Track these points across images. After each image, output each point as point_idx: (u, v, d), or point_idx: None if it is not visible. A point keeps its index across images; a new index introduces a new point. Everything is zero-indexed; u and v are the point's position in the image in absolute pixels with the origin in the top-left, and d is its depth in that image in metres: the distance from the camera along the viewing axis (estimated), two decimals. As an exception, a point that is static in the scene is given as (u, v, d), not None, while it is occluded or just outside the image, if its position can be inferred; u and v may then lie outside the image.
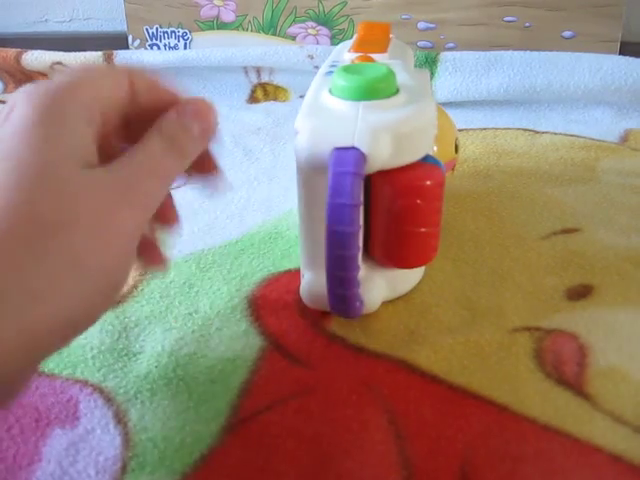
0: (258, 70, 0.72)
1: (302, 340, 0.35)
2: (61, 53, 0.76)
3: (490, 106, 0.66)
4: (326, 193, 0.30)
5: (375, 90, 0.32)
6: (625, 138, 0.58)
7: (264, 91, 0.73)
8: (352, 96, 0.32)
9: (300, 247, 0.36)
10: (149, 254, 0.33)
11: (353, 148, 0.30)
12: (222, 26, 0.77)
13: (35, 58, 0.76)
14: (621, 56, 0.64)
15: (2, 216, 0.23)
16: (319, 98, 0.34)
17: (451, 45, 0.72)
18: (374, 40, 0.40)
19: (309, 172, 0.33)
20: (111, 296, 0.26)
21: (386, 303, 0.37)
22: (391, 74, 0.33)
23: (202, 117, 0.30)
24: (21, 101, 0.25)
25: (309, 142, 0.31)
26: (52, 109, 0.25)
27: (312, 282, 0.36)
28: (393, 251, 0.34)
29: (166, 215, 0.33)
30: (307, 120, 0.32)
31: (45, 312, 0.23)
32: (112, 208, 0.25)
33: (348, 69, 0.33)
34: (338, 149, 0.31)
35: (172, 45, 0.78)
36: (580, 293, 0.38)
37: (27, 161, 0.24)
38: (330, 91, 0.34)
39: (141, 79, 0.30)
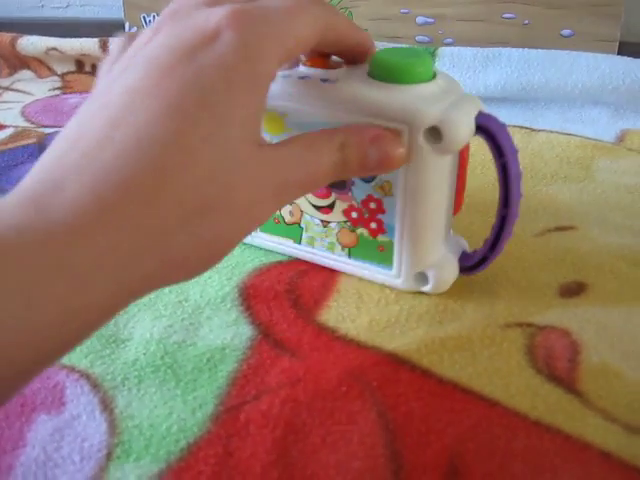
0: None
1: (292, 330, 0.35)
2: (56, 39, 0.75)
3: (487, 103, 0.64)
4: (450, 171, 0.34)
5: (414, 74, 0.33)
6: (621, 138, 0.58)
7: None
8: (387, 78, 0.33)
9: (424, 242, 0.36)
10: None
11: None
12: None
13: (31, 43, 0.75)
14: (619, 56, 0.64)
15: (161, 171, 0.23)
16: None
17: (449, 40, 0.72)
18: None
19: (434, 155, 0.33)
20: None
21: (377, 295, 0.37)
22: (428, 59, 0.33)
23: (385, 152, 0.31)
24: (228, 28, 0.25)
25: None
26: (255, 47, 0.25)
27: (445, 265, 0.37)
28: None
29: None
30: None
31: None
32: (264, 198, 0.26)
33: (387, 52, 0.34)
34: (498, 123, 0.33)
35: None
36: (573, 290, 0.38)
37: (218, 115, 0.24)
38: (368, 73, 0.34)
39: (333, 30, 0.30)
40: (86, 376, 0.32)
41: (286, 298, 0.37)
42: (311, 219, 0.38)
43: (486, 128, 0.33)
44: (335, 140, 0.29)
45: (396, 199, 0.35)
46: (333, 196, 0.37)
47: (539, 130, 0.59)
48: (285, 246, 0.40)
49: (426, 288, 0.37)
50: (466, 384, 0.31)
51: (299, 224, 0.39)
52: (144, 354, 0.34)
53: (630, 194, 0.48)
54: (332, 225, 0.38)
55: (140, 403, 0.31)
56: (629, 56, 0.64)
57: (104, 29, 0.79)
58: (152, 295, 0.37)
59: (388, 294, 0.37)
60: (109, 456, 0.28)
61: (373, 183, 0.35)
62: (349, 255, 0.38)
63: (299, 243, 0.39)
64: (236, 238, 0.27)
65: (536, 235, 0.43)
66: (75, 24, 0.86)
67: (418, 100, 0.32)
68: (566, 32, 0.69)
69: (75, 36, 0.75)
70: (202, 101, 0.24)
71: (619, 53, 0.67)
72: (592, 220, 0.45)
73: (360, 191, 0.36)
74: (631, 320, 0.35)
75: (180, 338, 0.35)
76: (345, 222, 0.37)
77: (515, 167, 0.32)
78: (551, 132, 0.59)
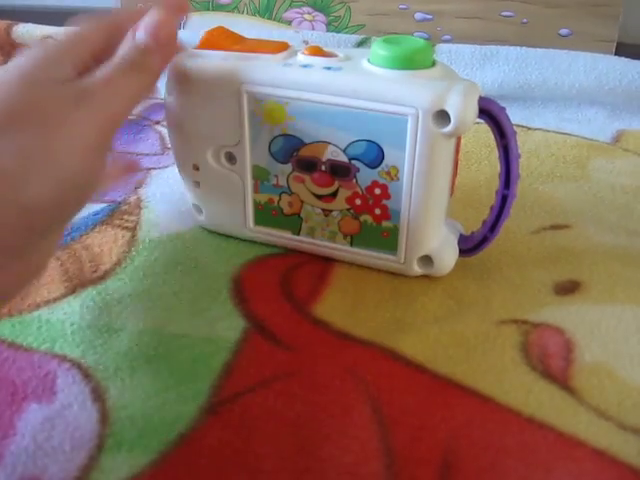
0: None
1: (286, 323, 0.35)
2: (52, 27, 0.74)
3: (484, 101, 0.66)
4: (452, 154, 0.35)
5: (411, 61, 0.33)
6: (617, 138, 0.58)
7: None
8: (390, 64, 0.33)
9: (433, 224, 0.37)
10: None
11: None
12: (218, 7, 0.76)
13: (26, 31, 0.75)
14: (617, 57, 0.64)
15: None
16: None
17: (447, 37, 0.72)
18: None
19: (442, 138, 0.33)
20: (78, 194, 0.29)
21: (373, 290, 0.37)
22: (428, 47, 0.34)
23: (156, 29, 0.32)
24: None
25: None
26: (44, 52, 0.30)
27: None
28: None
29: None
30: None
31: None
32: (69, 110, 0.28)
33: (388, 40, 0.34)
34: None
35: (166, 25, 0.77)
36: (568, 288, 0.38)
37: (21, 71, 0.29)
38: (368, 59, 0.35)
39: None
40: (78, 365, 0.32)
41: (281, 291, 0.37)
42: (312, 209, 0.38)
43: (488, 111, 0.33)
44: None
45: (402, 184, 0.35)
46: (336, 184, 0.36)
47: (535, 129, 0.59)
48: (283, 238, 0.40)
49: (430, 271, 0.37)
50: (460, 380, 0.31)
51: (298, 214, 0.38)
52: (137, 344, 0.33)
53: (625, 194, 0.48)
54: (334, 214, 0.37)
55: (133, 393, 0.31)
56: (626, 57, 0.64)
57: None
58: (146, 286, 0.37)
59: (383, 289, 0.37)
60: (100, 446, 0.28)
61: (379, 169, 0.35)
62: (351, 243, 0.38)
63: (298, 234, 0.39)
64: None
65: (531, 233, 0.43)
66: (71, 13, 0.85)
67: (424, 85, 0.33)
68: (564, 32, 0.69)
69: (70, 24, 0.74)
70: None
71: (616, 54, 0.67)
72: (587, 219, 0.45)
73: (365, 178, 0.36)
74: (624, 319, 0.35)
75: (174, 329, 0.34)
76: (348, 210, 0.37)
77: (515, 148, 0.34)
78: (547, 131, 0.59)
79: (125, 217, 0.44)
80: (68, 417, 0.29)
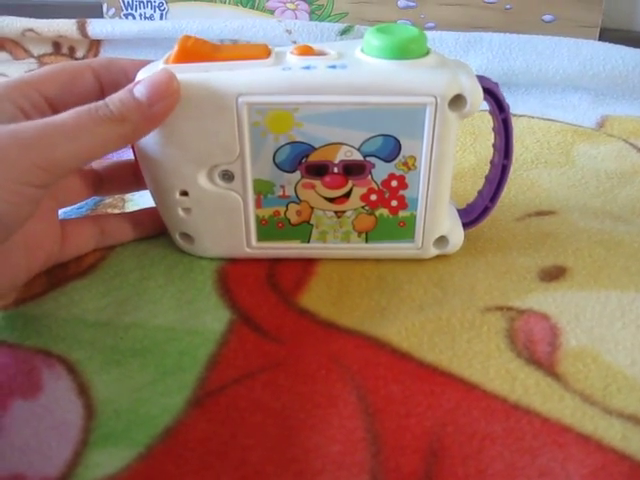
0: (235, 43, 0.71)
1: (272, 314, 0.35)
2: (33, 20, 0.74)
3: (468, 88, 0.66)
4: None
5: (409, 50, 0.33)
6: (601, 124, 0.58)
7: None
8: (388, 55, 0.33)
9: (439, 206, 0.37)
10: None
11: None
12: (199, -3, 0.75)
13: (7, 24, 0.74)
14: (600, 42, 0.64)
15: None
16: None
17: (431, 25, 0.72)
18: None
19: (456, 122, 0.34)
20: None
21: (358, 279, 0.37)
22: (423, 35, 0.34)
23: (158, 90, 0.31)
24: None
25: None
26: None
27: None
28: None
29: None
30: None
31: None
32: (4, 147, 0.27)
33: (381, 29, 0.34)
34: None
35: (148, 15, 0.77)
36: (553, 274, 0.38)
37: None
38: (362, 50, 0.34)
39: (107, 73, 0.35)
40: (63, 360, 0.32)
41: (266, 282, 0.37)
42: (323, 213, 0.37)
43: (487, 88, 0.35)
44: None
45: (420, 171, 0.35)
46: (350, 184, 0.36)
47: (520, 115, 0.60)
48: (291, 249, 0.38)
49: (445, 250, 0.38)
50: (446, 367, 0.31)
51: (308, 222, 0.37)
52: (122, 338, 0.33)
53: (610, 179, 0.48)
54: (348, 214, 0.37)
55: (118, 387, 0.31)
56: (610, 42, 0.64)
57: (82, 10, 0.78)
58: (131, 280, 0.37)
59: (369, 278, 0.37)
60: (86, 441, 0.28)
61: (396, 161, 0.35)
62: (366, 240, 0.38)
63: (307, 242, 0.38)
64: None
65: (516, 220, 0.43)
66: (52, 5, 0.84)
67: (434, 72, 0.33)
68: (547, 17, 0.69)
69: (52, 17, 0.73)
70: None
71: (600, 39, 0.67)
72: (572, 205, 0.45)
73: (380, 172, 0.35)
74: (609, 304, 0.35)
75: (159, 322, 0.34)
76: (363, 207, 0.37)
77: (512, 121, 0.36)
78: (532, 117, 0.59)
79: (109, 210, 0.44)
80: (54, 412, 0.29)
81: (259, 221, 0.37)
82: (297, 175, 0.35)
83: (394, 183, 0.36)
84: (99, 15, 0.78)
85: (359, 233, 0.37)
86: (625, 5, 0.73)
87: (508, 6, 0.69)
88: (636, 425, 0.29)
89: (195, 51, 0.33)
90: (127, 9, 0.77)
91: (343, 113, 0.33)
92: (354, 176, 0.35)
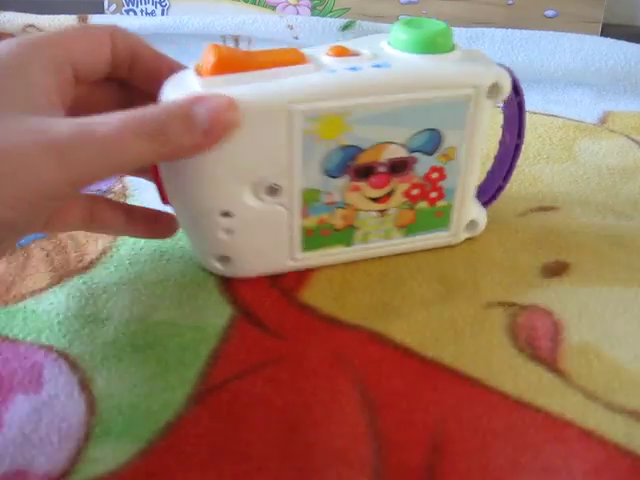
0: (236, 39, 0.71)
1: (273, 309, 0.35)
2: (34, 15, 0.73)
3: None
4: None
5: (439, 44, 0.34)
6: (603, 120, 0.58)
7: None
8: (420, 49, 0.33)
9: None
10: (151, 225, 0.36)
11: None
12: (201, -7, 0.75)
13: (8, 20, 0.74)
14: (602, 37, 0.64)
15: None
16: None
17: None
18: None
19: (490, 109, 0.35)
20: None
21: (361, 275, 0.37)
22: (447, 30, 0.34)
23: (221, 116, 0.28)
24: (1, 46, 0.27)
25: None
26: (18, 60, 0.27)
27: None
28: None
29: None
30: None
31: None
32: (28, 150, 0.24)
33: (408, 23, 0.34)
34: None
35: (149, 11, 0.77)
36: (555, 270, 0.38)
37: None
38: (391, 45, 0.34)
39: (123, 41, 0.31)
40: (64, 356, 0.32)
41: (268, 278, 0.37)
42: (366, 214, 0.36)
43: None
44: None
45: (459, 161, 0.36)
46: (393, 182, 0.35)
47: (522, 111, 0.59)
48: (333, 256, 0.37)
49: (473, 233, 0.40)
50: (448, 363, 0.31)
51: (352, 225, 0.36)
52: (123, 333, 0.33)
53: (612, 175, 0.48)
54: (390, 211, 0.36)
55: (120, 383, 0.30)
56: (612, 38, 0.63)
57: (83, 6, 0.78)
58: (132, 274, 0.37)
59: (371, 273, 0.37)
60: (88, 436, 0.28)
61: (437, 153, 0.35)
62: (406, 234, 0.38)
63: (350, 245, 0.37)
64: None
65: (519, 215, 0.43)
66: (53, 1, 0.84)
67: (471, 64, 0.34)
68: (550, 13, 0.69)
69: (53, 13, 0.73)
70: None
71: (602, 35, 0.67)
72: (574, 200, 0.45)
73: (423, 166, 0.35)
74: (612, 300, 0.35)
75: (160, 317, 0.34)
76: (404, 203, 0.37)
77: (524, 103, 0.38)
78: (534, 113, 0.59)
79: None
80: (55, 408, 0.29)
81: (304, 232, 0.35)
82: (344, 179, 0.34)
83: (434, 175, 0.36)
84: (100, 11, 0.78)
85: (399, 228, 0.38)
86: (628, 0, 0.73)
87: (510, 1, 0.69)
88: (638, 421, 0.28)
89: (232, 61, 0.31)
90: (128, 5, 0.77)
91: (390, 112, 0.33)
92: (398, 173, 0.35)
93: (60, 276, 0.37)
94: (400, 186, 0.36)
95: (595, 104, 0.61)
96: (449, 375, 0.31)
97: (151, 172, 0.34)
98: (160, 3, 0.76)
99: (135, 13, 0.77)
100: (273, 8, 0.74)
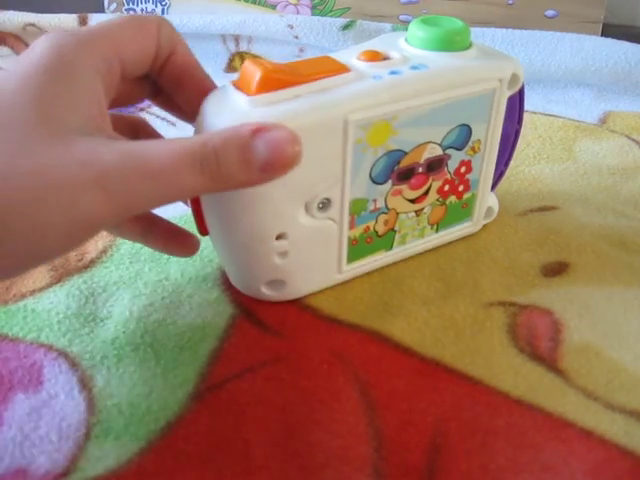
0: (237, 38, 0.71)
1: (273, 309, 0.35)
2: (34, 14, 0.73)
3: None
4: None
5: (457, 42, 0.34)
6: (604, 120, 0.58)
7: (242, 60, 0.71)
8: (433, 46, 0.34)
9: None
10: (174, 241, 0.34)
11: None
12: (201, -8, 0.75)
13: (8, 19, 0.74)
14: (603, 38, 0.64)
15: None
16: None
17: (433, 20, 0.71)
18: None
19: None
20: (35, 263, 0.25)
21: (361, 275, 0.37)
22: (467, 28, 0.35)
23: (283, 154, 0.25)
24: (42, 44, 0.25)
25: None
26: (65, 59, 0.25)
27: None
28: None
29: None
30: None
31: None
32: (75, 183, 0.23)
33: (426, 21, 0.35)
34: None
35: (149, 10, 0.77)
36: (555, 270, 0.38)
37: (21, 117, 0.23)
38: (411, 44, 0.35)
39: (167, 36, 0.29)
40: (64, 355, 0.32)
41: (268, 277, 0.37)
42: (406, 216, 0.36)
43: None
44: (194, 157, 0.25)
45: (484, 153, 0.37)
46: (430, 180, 0.36)
47: (522, 111, 0.59)
48: (376, 262, 0.37)
49: (489, 219, 0.41)
50: (449, 363, 0.31)
51: (393, 229, 0.36)
52: (123, 332, 0.33)
53: (612, 175, 0.48)
54: (425, 210, 0.37)
55: (119, 382, 0.30)
56: (613, 38, 0.63)
57: (83, 5, 0.77)
58: (132, 273, 0.37)
59: (371, 272, 0.37)
60: (88, 435, 0.28)
61: (466, 148, 0.36)
62: (437, 230, 0.38)
63: (391, 249, 0.37)
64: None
65: (519, 215, 0.43)
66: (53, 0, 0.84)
67: (491, 58, 0.35)
68: (550, 13, 0.69)
69: (53, 12, 0.73)
70: None
71: (603, 35, 0.67)
72: (574, 200, 0.45)
73: (454, 162, 0.36)
74: (612, 299, 0.35)
75: (160, 316, 0.34)
76: (437, 200, 0.37)
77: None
78: (534, 113, 0.59)
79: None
80: (55, 407, 0.29)
81: (350, 242, 0.35)
82: (388, 185, 0.34)
83: (463, 169, 0.37)
84: (100, 10, 0.78)
85: (432, 226, 0.38)
86: (628, 1, 0.73)
87: (511, 1, 0.69)
88: (638, 420, 0.28)
89: (278, 76, 0.29)
90: (128, 4, 0.77)
91: (430, 111, 0.33)
92: (434, 171, 0.36)
93: (60, 275, 0.37)
94: (435, 184, 0.36)
95: (595, 104, 0.61)
96: (449, 375, 0.31)
97: (192, 202, 0.33)
98: (160, 2, 0.76)
99: (135, 12, 0.77)
100: (273, 8, 0.74)
